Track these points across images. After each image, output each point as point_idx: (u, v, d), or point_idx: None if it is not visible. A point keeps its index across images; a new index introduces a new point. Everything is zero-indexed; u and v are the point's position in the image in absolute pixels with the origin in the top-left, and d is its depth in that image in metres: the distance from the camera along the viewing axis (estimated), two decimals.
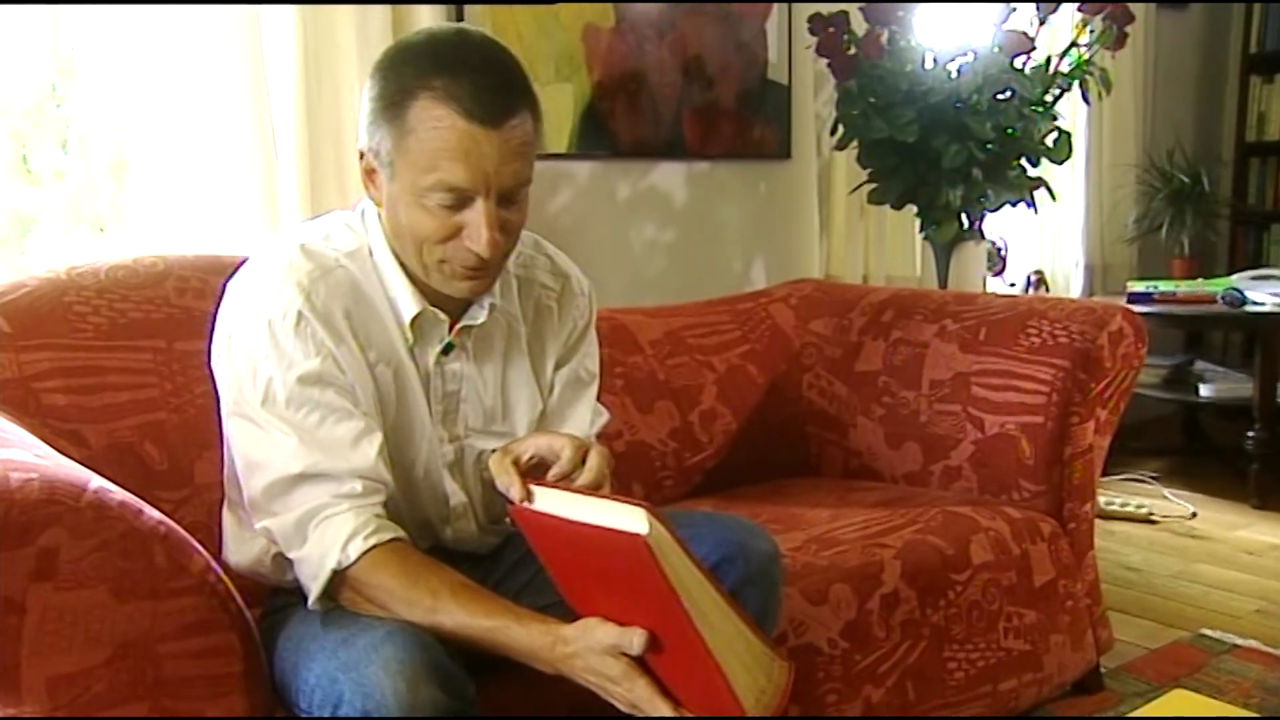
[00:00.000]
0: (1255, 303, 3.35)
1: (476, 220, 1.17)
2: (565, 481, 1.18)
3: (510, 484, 1.17)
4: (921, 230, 2.68)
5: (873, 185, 2.65)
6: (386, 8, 2.15)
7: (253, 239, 2.03)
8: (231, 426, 1.22)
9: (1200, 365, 3.75)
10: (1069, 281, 3.94)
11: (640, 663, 1.05)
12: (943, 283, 2.68)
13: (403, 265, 1.25)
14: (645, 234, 2.85)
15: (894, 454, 2.19)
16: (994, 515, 1.89)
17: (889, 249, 3.23)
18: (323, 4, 2.08)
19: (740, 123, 2.94)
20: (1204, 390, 3.56)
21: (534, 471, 1.20)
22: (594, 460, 1.20)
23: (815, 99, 3.02)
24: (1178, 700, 1.43)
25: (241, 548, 1.31)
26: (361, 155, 1.22)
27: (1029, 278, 3.89)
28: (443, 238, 1.19)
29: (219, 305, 1.27)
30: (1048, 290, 3.90)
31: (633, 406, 2.10)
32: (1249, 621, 2.52)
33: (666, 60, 2.78)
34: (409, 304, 1.25)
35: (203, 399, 1.62)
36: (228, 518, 1.34)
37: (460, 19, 2.38)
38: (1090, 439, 1.97)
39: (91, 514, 1.00)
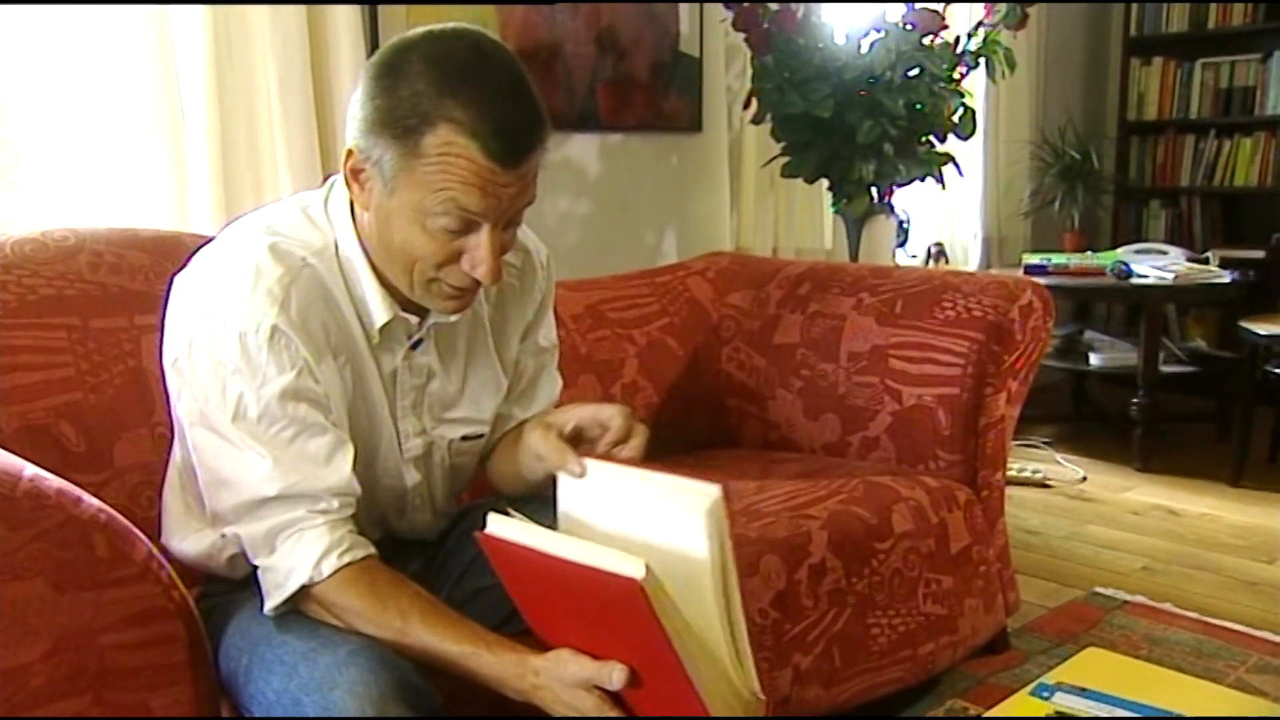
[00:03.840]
0: (1140, 275, 3.50)
1: (480, 247, 1.13)
2: (610, 452, 1.19)
3: (565, 460, 1.15)
4: (834, 204, 2.73)
5: (786, 159, 2.68)
6: None
7: (161, 215, 1.96)
8: (197, 438, 1.17)
9: (1089, 334, 3.91)
10: (967, 253, 4.06)
11: (614, 694, 1.04)
12: (854, 255, 2.73)
13: (374, 267, 1.20)
14: (559, 206, 2.83)
15: (813, 425, 2.23)
16: (913, 485, 1.94)
17: (798, 222, 3.27)
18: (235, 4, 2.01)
19: (652, 95, 2.94)
20: (1093, 359, 3.71)
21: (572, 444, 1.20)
22: (639, 439, 1.20)
23: (727, 72, 3.04)
24: (1093, 657, 1.51)
25: (190, 537, 1.26)
26: (350, 154, 1.14)
27: (929, 249, 3.99)
28: (440, 262, 1.14)
29: (166, 299, 1.20)
30: (947, 261, 4.02)
31: None
32: (1136, 579, 2.66)
33: (580, 31, 2.76)
34: (380, 310, 1.21)
35: (121, 378, 1.56)
36: (173, 503, 1.29)
37: None
38: (1003, 409, 2.04)
39: (28, 504, 0.96)
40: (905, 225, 3.79)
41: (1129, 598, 2.51)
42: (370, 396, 1.25)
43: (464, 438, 1.36)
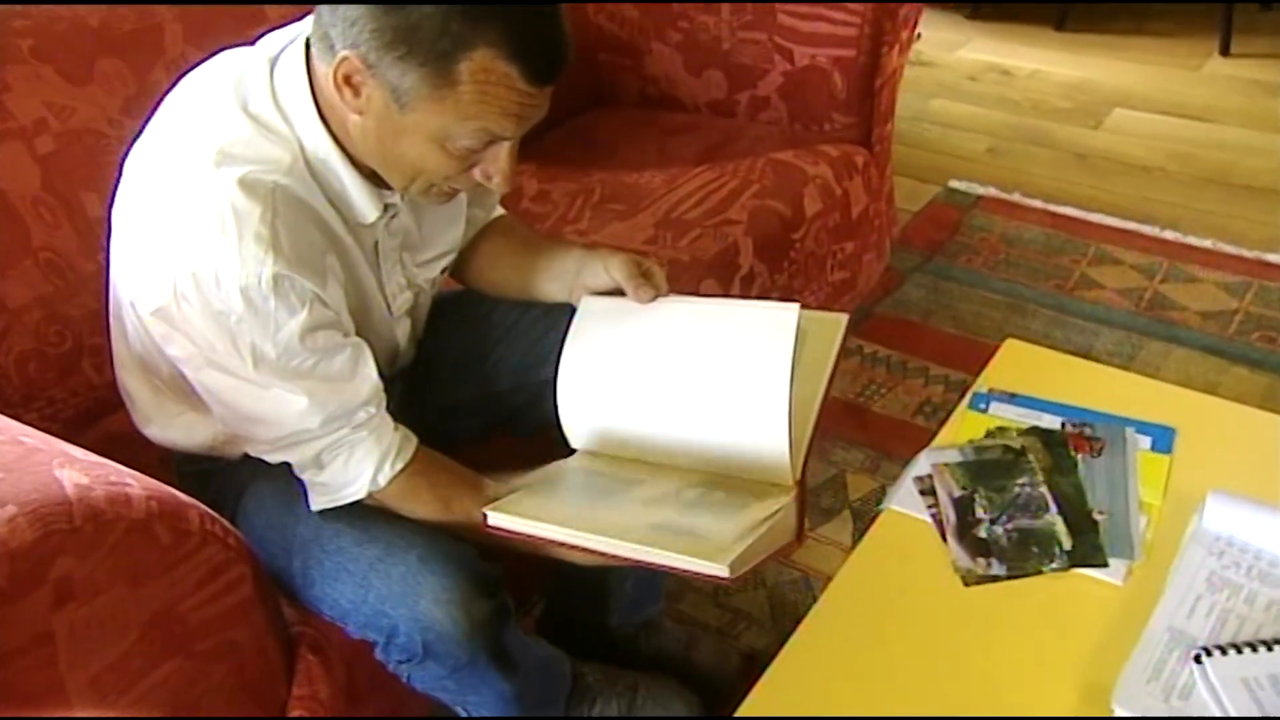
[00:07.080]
0: None
1: (499, 161, 1.07)
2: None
3: (641, 289, 1.21)
4: None
5: None
6: None
7: None
8: (206, 379, 1.09)
9: None
10: None
11: None
12: None
13: (353, 162, 1.10)
14: None
15: (695, 81, 2.19)
16: (816, 159, 1.98)
17: None
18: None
19: None
20: None
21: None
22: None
23: None
24: (1012, 350, 1.66)
25: (174, 423, 1.22)
26: (345, 60, 0.99)
27: None
28: (452, 174, 1.08)
29: (108, 230, 1.09)
30: None
31: None
32: (983, 164, 2.85)
33: None
34: (368, 207, 1.13)
35: None
36: (135, 387, 1.23)
37: None
38: (895, 62, 2.04)
39: (90, 529, 0.92)
40: None
41: (982, 191, 2.71)
42: (359, 277, 1.19)
43: (442, 270, 1.34)
